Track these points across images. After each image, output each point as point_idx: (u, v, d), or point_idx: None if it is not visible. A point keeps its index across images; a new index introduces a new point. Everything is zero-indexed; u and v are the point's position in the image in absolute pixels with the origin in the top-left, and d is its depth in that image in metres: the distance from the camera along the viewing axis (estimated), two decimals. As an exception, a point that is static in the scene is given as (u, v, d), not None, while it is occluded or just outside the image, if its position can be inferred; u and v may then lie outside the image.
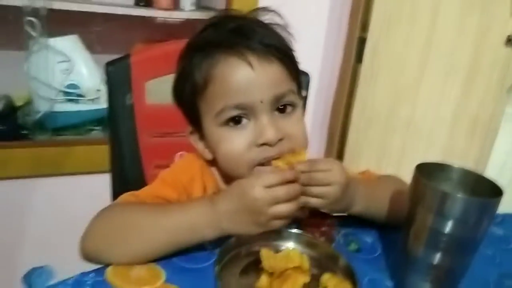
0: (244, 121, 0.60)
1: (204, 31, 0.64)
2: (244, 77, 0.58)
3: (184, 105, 0.66)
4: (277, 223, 0.54)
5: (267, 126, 0.58)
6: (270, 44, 0.59)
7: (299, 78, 0.66)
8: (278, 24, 0.65)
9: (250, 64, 0.58)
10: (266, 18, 0.65)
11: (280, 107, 0.61)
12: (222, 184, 0.68)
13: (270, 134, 0.58)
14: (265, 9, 0.66)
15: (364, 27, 1.48)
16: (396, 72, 1.55)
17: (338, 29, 1.56)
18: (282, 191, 0.53)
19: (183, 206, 0.56)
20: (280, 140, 0.59)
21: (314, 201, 0.56)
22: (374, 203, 0.63)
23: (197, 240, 0.54)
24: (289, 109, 0.62)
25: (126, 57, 0.84)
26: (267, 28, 0.63)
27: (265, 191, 0.52)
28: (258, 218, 0.53)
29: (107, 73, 0.83)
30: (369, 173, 0.75)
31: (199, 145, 0.66)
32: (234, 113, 0.59)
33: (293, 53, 0.64)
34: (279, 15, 0.65)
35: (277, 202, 0.53)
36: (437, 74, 1.59)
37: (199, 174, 0.67)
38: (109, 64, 0.83)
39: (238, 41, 0.58)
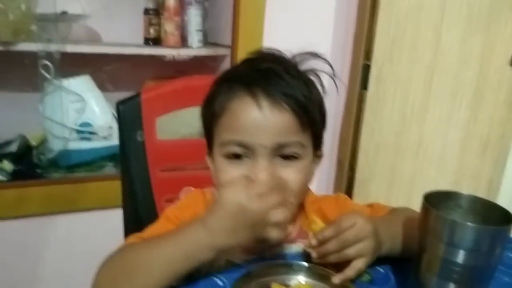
0: (245, 158, 0.61)
1: (240, 64, 0.67)
2: (251, 118, 0.59)
3: (204, 127, 0.68)
4: (275, 233, 0.55)
5: (260, 169, 0.59)
6: (289, 94, 0.60)
7: (318, 133, 0.66)
8: (313, 74, 0.66)
9: (260, 107, 0.59)
10: (310, 63, 0.66)
11: (283, 155, 0.61)
12: None
13: (261, 178, 0.59)
14: (315, 55, 0.67)
15: (368, 54, 1.50)
16: (402, 96, 1.56)
17: (342, 57, 1.59)
18: (275, 197, 0.54)
19: (175, 237, 0.56)
20: None
21: (360, 263, 0.56)
22: (397, 240, 0.62)
23: (195, 264, 0.54)
24: (291, 159, 0.62)
25: (137, 95, 0.86)
26: (296, 78, 0.62)
27: (261, 201, 0.53)
28: (257, 229, 0.54)
29: (118, 111, 0.86)
30: (378, 206, 0.74)
31: (211, 168, 0.68)
32: (236, 149, 0.61)
33: (315, 107, 0.64)
34: (328, 63, 0.67)
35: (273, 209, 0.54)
36: (443, 97, 1.59)
37: (203, 210, 0.67)
38: (120, 103, 0.86)
39: (260, 82, 0.60)
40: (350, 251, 0.55)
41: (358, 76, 1.54)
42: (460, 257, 0.48)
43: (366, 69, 1.52)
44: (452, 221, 0.49)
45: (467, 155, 1.67)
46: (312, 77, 0.66)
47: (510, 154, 1.72)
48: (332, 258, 0.56)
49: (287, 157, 0.62)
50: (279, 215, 0.54)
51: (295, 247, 0.69)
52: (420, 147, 1.62)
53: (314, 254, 0.57)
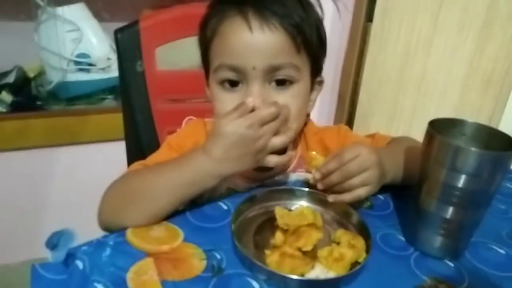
0: (239, 85, 0.60)
1: None
2: (242, 39, 0.57)
3: (201, 55, 0.66)
4: (275, 158, 0.57)
5: (253, 94, 0.58)
6: (282, 14, 0.57)
7: (316, 57, 0.64)
8: None
9: (250, 28, 0.56)
10: None
11: (277, 79, 0.59)
12: None
13: (255, 103, 0.58)
14: None
15: (375, -16, 1.44)
16: (408, 29, 1.51)
17: (348, -12, 1.52)
18: (274, 124, 0.55)
19: (180, 163, 0.57)
20: None
21: (361, 191, 0.56)
22: (399, 169, 0.63)
23: (200, 191, 0.56)
24: (286, 83, 0.60)
25: (135, 23, 0.84)
26: None
27: (260, 129, 0.54)
28: (259, 156, 0.55)
29: (116, 41, 0.83)
30: (379, 136, 0.74)
31: (208, 94, 0.67)
32: (229, 74, 0.59)
33: (312, 29, 0.61)
34: None
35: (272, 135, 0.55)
36: (449, 30, 1.54)
37: (204, 139, 0.68)
38: (118, 31, 0.83)
39: (252, 2, 0.57)
40: (355, 181, 0.55)
41: (363, 7, 1.48)
42: (461, 181, 0.49)
43: (372, 1, 1.45)
44: (455, 146, 0.49)
45: (469, 91, 1.65)
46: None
47: (512, 92, 1.71)
48: (337, 188, 0.57)
49: (281, 82, 0.60)
50: (278, 141, 0.55)
51: (296, 176, 0.71)
52: (423, 82, 1.60)
53: (319, 185, 0.58)
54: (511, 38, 1.60)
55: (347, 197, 0.56)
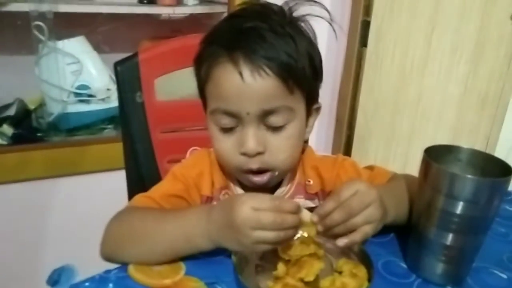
0: (235, 128, 0.61)
1: (224, 22, 0.64)
2: (234, 87, 0.58)
3: (198, 89, 0.66)
4: (261, 248, 0.50)
5: (248, 137, 0.59)
6: (271, 58, 0.57)
7: (311, 89, 0.64)
8: (305, 20, 0.63)
9: (241, 74, 0.57)
10: (305, 9, 0.63)
11: (270, 126, 0.60)
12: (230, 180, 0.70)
13: (248, 146, 0.59)
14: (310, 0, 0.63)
15: (368, 10, 1.47)
16: (402, 53, 1.54)
17: (341, 14, 1.55)
18: (267, 217, 0.48)
19: (181, 215, 0.56)
20: (260, 153, 0.60)
21: (368, 228, 0.51)
22: (401, 207, 0.60)
23: (194, 250, 0.54)
24: (279, 123, 0.60)
25: (134, 55, 0.85)
26: (281, 35, 0.58)
27: (251, 212, 0.48)
28: (242, 238, 0.49)
29: (116, 73, 0.85)
30: (378, 170, 0.72)
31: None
32: (225, 120, 0.60)
33: (305, 63, 0.60)
34: (324, 7, 0.63)
35: (262, 227, 0.48)
36: (443, 53, 1.57)
37: (208, 169, 0.69)
38: (117, 63, 0.85)
39: (242, 45, 0.57)
40: (358, 219, 0.51)
41: (358, 32, 1.51)
42: (459, 208, 0.49)
43: (366, 25, 1.49)
44: (452, 173, 0.50)
45: (465, 111, 1.67)
46: (302, 24, 0.63)
47: (508, 110, 1.73)
48: (340, 229, 0.52)
49: (273, 124, 0.60)
50: (265, 235, 0.49)
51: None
52: (419, 104, 1.61)
53: (319, 228, 0.53)
54: (503, 59, 1.63)
55: (356, 236, 0.51)
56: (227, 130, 0.62)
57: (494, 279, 0.56)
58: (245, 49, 0.57)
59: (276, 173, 0.64)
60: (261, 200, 0.49)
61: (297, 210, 0.50)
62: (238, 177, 0.68)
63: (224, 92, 0.59)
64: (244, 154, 0.61)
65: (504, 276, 0.56)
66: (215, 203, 0.68)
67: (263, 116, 0.59)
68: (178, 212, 0.57)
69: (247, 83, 0.57)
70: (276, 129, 0.61)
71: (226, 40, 0.59)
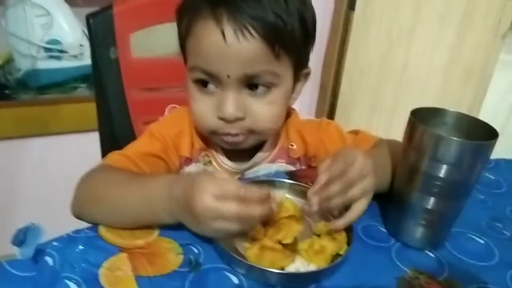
0: (212, 87, 0.57)
1: None
2: (215, 46, 0.53)
3: (179, 44, 0.62)
4: (221, 235, 0.47)
5: (227, 101, 0.56)
6: (257, 17, 0.52)
7: (301, 54, 0.60)
8: None
9: (224, 35, 0.52)
10: None
11: (252, 84, 0.57)
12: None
13: (227, 110, 0.56)
14: None
15: (357, -28, 1.43)
16: (389, 19, 1.51)
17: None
18: (231, 209, 0.44)
19: (145, 185, 0.52)
20: (240, 119, 0.57)
21: (361, 205, 0.50)
22: (385, 177, 0.58)
23: (158, 222, 0.51)
24: (261, 89, 0.57)
25: (108, 8, 0.80)
26: None
27: (212, 202, 0.44)
28: (202, 226, 0.46)
29: (88, 26, 0.80)
30: (363, 135, 0.70)
31: None
32: (203, 76, 0.57)
33: (294, 24, 0.55)
34: None
35: (224, 219, 0.44)
36: (430, 21, 1.55)
37: (188, 129, 0.66)
38: (90, 16, 0.80)
39: (226, 1, 0.52)
40: (356, 191, 0.49)
41: (345, -5, 1.47)
42: (442, 171, 0.49)
43: (354, -13, 1.45)
44: (437, 135, 0.48)
45: (449, 81, 1.68)
46: None
47: (491, 82, 1.74)
48: (336, 202, 0.49)
49: (255, 89, 0.57)
50: (225, 226, 0.45)
51: (276, 167, 0.69)
52: (404, 73, 1.61)
53: (315, 207, 0.49)
54: (491, 30, 1.62)
55: (352, 215, 0.49)
56: (205, 91, 0.58)
57: (472, 243, 0.56)
58: (229, 5, 0.52)
59: (256, 136, 0.62)
60: (225, 187, 0.44)
61: (265, 199, 0.46)
62: (211, 138, 0.64)
63: (203, 51, 0.55)
64: (222, 119, 0.57)
65: (481, 241, 0.56)
66: (182, 171, 0.66)
67: (245, 80, 0.56)
68: (144, 180, 0.53)
69: (229, 44, 0.52)
70: (258, 94, 0.58)
71: None
